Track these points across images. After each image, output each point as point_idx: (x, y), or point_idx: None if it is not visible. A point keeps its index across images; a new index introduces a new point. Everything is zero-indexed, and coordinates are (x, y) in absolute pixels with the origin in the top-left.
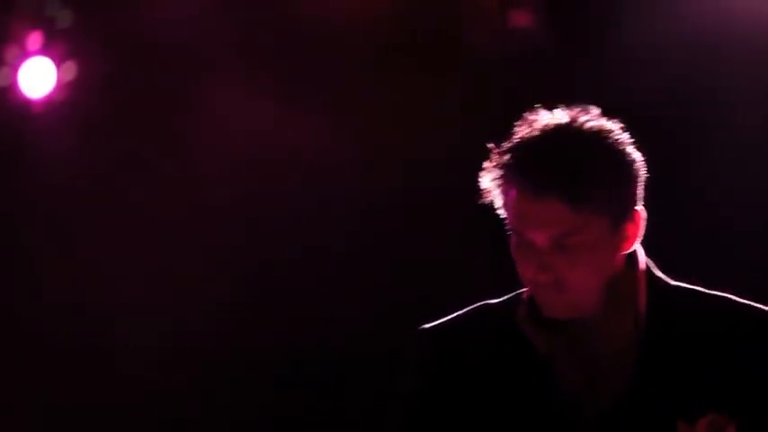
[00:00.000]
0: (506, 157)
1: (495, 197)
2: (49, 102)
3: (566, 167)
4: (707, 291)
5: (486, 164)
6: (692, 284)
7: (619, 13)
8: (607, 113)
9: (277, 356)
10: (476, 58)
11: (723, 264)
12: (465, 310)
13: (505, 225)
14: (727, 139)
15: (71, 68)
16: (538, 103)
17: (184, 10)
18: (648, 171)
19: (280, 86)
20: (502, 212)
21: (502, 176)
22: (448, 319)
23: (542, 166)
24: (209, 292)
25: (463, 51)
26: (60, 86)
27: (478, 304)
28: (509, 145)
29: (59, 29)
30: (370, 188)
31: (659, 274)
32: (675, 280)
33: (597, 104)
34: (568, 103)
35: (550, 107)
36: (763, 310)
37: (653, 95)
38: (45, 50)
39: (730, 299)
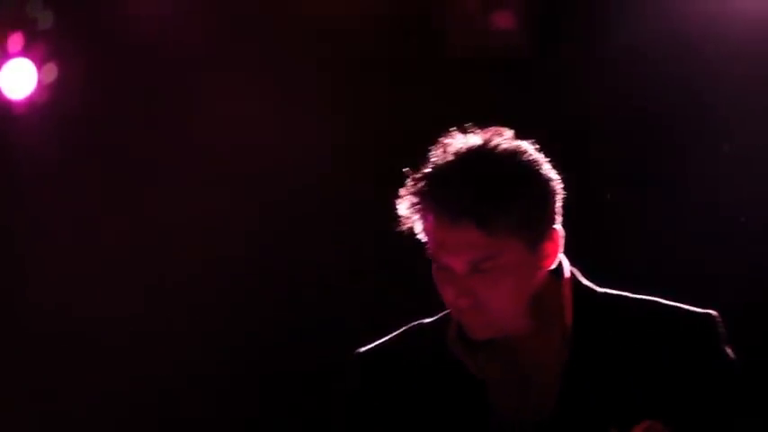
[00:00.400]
0: (421, 184)
1: (414, 223)
2: (30, 103)
3: (478, 193)
4: (633, 296)
5: (402, 191)
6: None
7: (602, 16)
8: (589, 114)
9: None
10: (458, 58)
11: (723, 261)
12: (400, 330)
13: (426, 250)
14: (714, 140)
15: (52, 70)
16: (520, 105)
17: (166, 9)
18: (630, 170)
19: (263, 87)
20: (422, 237)
21: (418, 204)
22: (382, 342)
23: (455, 192)
24: (194, 291)
25: (446, 52)
26: (42, 88)
27: (412, 324)
28: (423, 171)
29: (40, 30)
30: (351, 190)
31: (585, 282)
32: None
33: (579, 105)
34: (550, 103)
35: (532, 109)
36: (688, 311)
37: (635, 96)
38: (26, 52)
39: (656, 301)
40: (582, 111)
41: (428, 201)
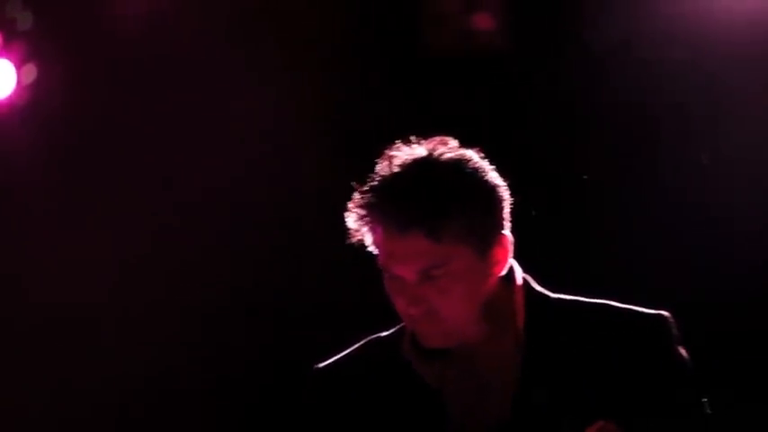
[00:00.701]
0: (367, 196)
1: (364, 236)
2: (9, 104)
3: (424, 203)
4: (586, 300)
5: (349, 204)
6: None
7: (582, 16)
8: (568, 115)
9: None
10: (436, 59)
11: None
12: (357, 344)
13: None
14: (700, 139)
15: (32, 70)
16: (498, 105)
17: (145, 8)
18: (611, 167)
19: (242, 88)
20: (373, 250)
21: (366, 216)
22: (340, 357)
23: (402, 203)
24: (180, 289)
25: (422, 52)
26: (21, 89)
27: (369, 338)
28: (369, 184)
29: (20, 31)
30: (323, 193)
31: (538, 288)
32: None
33: (556, 106)
34: (528, 104)
35: (512, 110)
36: (639, 312)
37: (615, 96)
38: (5, 52)
39: (608, 304)
40: (560, 111)
41: (376, 212)
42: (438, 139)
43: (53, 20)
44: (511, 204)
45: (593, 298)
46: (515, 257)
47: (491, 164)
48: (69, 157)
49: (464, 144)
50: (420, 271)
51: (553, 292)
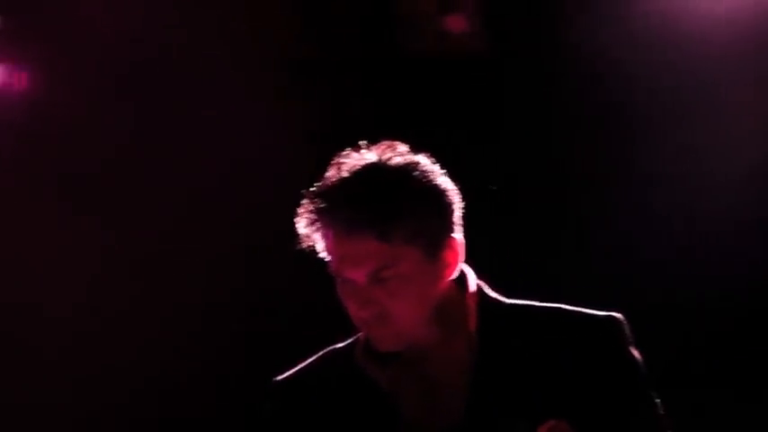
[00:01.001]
0: (317, 201)
1: (315, 241)
2: None
3: (372, 205)
4: (539, 304)
5: (299, 210)
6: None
7: (556, 19)
8: (542, 118)
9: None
10: (411, 60)
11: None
12: (314, 356)
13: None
14: (681, 137)
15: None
16: (471, 107)
17: (115, 12)
18: (588, 169)
19: (216, 89)
20: (323, 255)
21: (315, 221)
22: (297, 369)
23: (350, 205)
24: (139, 293)
25: (397, 53)
26: None
27: (326, 350)
28: (318, 189)
29: None
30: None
31: (492, 294)
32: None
33: (531, 108)
34: (501, 107)
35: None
36: (590, 314)
37: (590, 100)
38: None
39: (560, 308)
40: (535, 114)
41: (325, 216)
42: (387, 143)
43: (20, 21)
44: (463, 208)
45: (551, 301)
46: (471, 260)
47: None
48: (38, 158)
49: (438, 145)
50: (370, 273)
51: (508, 296)
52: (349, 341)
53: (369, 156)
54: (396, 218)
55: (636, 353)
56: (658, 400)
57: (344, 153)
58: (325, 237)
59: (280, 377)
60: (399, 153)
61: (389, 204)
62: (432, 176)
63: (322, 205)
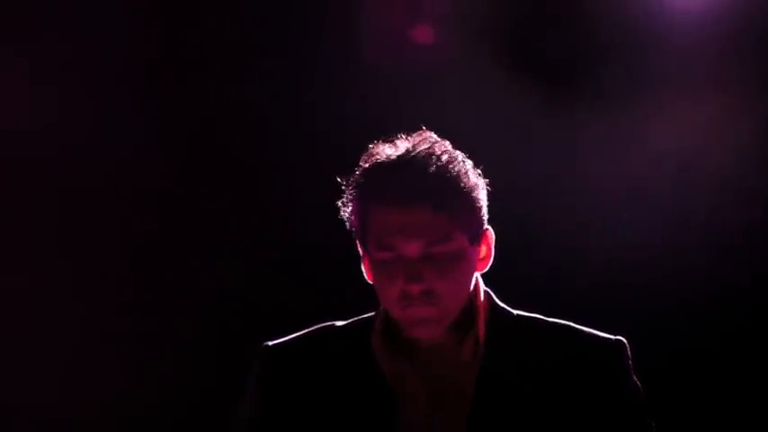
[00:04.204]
0: (364, 178)
1: (355, 223)
2: None
3: (427, 179)
4: (547, 319)
5: (344, 194)
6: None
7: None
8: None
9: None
10: (375, 73)
11: None
12: (310, 329)
13: (363, 254)
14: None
15: None
16: (437, 119)
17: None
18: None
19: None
20: (360, 238)
21: (363, 197)
22: (293, 337)
23: (404, 178)
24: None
25: (363, 65)
26: None
27: (324, 324)
28: (365, 170)
29: None
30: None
31: (501, 304)
32: (518, 308)
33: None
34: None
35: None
36: (599, 336)
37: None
38: None
39: (568, 326)
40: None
41: (378, 190)
42: (419, 134)
43: None
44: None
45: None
46: None
47: None
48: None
49: None
50: (424, 245)
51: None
52: (353, 321)
53: (405, 144)
54: (451, 195)
55: (636, 379)
56: (654, 429)
57: (376, 143)
58: (378, 212)
59: (272, 342)
60: (435, 142)
61: (446, 181)
62: (468, 168)
63: (373, 181)
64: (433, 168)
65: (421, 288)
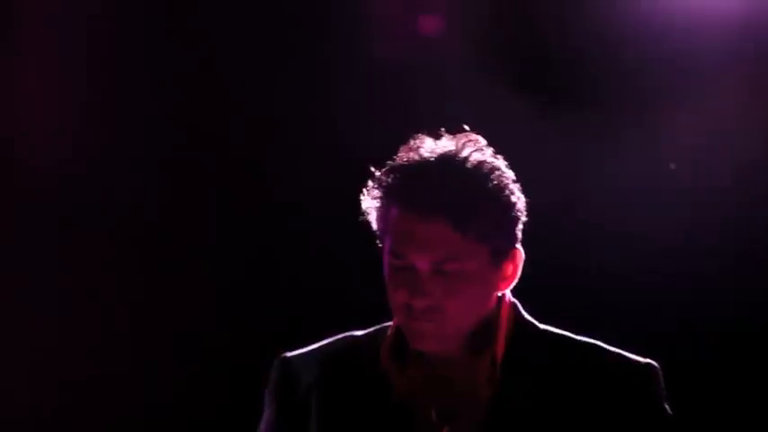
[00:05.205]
0: (392, 177)
1: (375, 218)
2: None
3: (453, 192)
4: (575, 336)
5: (369, 183)
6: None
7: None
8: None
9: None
10: (382, 65)
11: None
12: (330, 339)
13: (381, 249)
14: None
15: None
16: (444, 113)
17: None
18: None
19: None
20: (379, 235)
21: (385, 196)
22: (311, 349)
23: (430, 187)
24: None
25: (368, 58)
26: None
27: (343, 335)
28: (394, 166)
29: None
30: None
31: (527, 317)
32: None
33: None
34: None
35: (455, 117)
36: (629, 359)
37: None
38: None
39: (596, 345)
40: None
41: (399, 193)
42: (467, 135)
43: None
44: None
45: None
46: None
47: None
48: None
49: None
50: (436, 261)
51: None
52: (370, 331)
53: (448, 144)
54: (474, 212)
55: (668, 407)
56: None
57: (419, 137)
58: (396, 215)
59: (290, 353)
60: (479, 148)
61: (471, 196)
62: (507, 182)
63: (397, 181)
64: (464, 179)
65: (425, 304)
